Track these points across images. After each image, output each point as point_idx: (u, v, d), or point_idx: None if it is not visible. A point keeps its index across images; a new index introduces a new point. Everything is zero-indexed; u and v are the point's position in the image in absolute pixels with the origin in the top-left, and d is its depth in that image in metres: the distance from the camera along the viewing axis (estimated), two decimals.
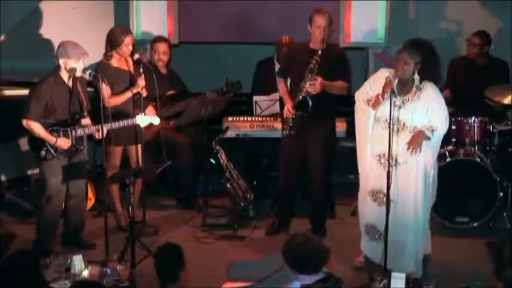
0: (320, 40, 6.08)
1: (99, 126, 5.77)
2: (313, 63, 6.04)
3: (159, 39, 7.09)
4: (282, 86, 6.39)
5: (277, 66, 7.12)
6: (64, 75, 5.80)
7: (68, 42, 5.83)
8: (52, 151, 5.80)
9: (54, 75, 5.79)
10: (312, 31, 6.14)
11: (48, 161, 5.83)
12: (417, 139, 5.40)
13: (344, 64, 6.27)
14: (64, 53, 5.74)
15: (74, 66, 5.74)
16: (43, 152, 5.79)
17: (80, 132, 5.87)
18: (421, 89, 5.42)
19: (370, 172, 5.60)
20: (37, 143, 5.80)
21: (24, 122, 5.76)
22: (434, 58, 5.43)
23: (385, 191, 5.43)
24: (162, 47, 6.99)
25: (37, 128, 5.75)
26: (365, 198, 5.67)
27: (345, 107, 6.39)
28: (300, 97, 6.09)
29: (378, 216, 5.57)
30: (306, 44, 6.21)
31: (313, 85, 6.04)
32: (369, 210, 5.66)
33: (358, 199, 5.80)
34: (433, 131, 5.40)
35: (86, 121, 5.99)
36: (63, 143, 5.80)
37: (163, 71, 7.02)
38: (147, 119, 6.11)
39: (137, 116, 6.08)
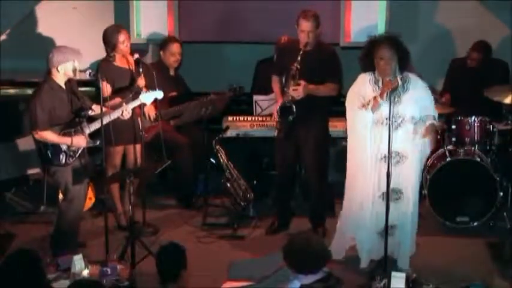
0: (304, 43, 6.06)
1: (109, 113, 5.72)
2: (294, 69, 6.01)
3: (174, 39, 7.08)
4: (276, 85, 6.37)
5: None
6: (58, 80, 5.69)
7: (61, 48, 5.76)
8: (71, 153, 5.71)
9: (49, 82, 5.69)
10: (298, 33, 6.13)
11: (67, 165, 5.72)
12: (430, 131, 5.48)
13: (333, 64, 6.21)
14: (63, 59, 5.62)
15: (71, 69, 5.65)
16: (63, 157, 5.69)
17: (91, 127, 5.77)
18: (406, 80, 5.49)
19: (376, 174, 5.54)
20: (53, 150, 5.67)
21: (36, 134, 5.63)
22: (407, 50, 5.50)
23: (398, 187, 5.51)
24: (177, 47, 6.98)
25: (50, 136, 5.64)
26: (373, 202, 5.57)
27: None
28: (281, 103, 6.09)
29: (396, 215, 5.54)
30: (298, 43, 6.17)
31: (296, 90, 6.03)
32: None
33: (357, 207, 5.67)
34: (434, 118, 5.52)
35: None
36: (80, 140, 5.70)
37: (172, 72, 7.02)
38: (150, 95, 6.08)
39: (140, 95, 6.05)
